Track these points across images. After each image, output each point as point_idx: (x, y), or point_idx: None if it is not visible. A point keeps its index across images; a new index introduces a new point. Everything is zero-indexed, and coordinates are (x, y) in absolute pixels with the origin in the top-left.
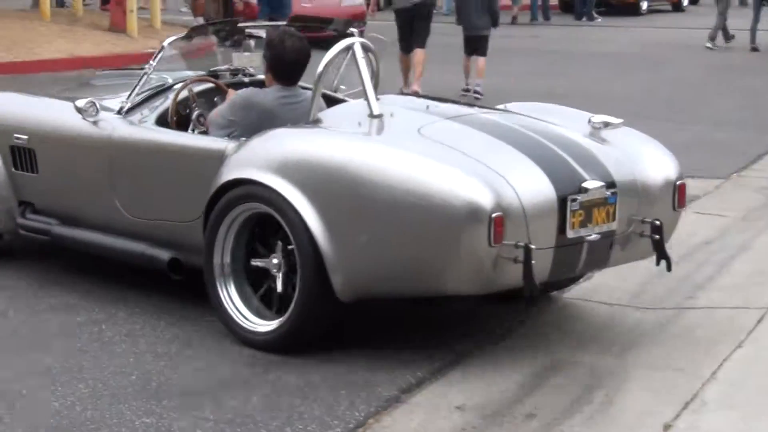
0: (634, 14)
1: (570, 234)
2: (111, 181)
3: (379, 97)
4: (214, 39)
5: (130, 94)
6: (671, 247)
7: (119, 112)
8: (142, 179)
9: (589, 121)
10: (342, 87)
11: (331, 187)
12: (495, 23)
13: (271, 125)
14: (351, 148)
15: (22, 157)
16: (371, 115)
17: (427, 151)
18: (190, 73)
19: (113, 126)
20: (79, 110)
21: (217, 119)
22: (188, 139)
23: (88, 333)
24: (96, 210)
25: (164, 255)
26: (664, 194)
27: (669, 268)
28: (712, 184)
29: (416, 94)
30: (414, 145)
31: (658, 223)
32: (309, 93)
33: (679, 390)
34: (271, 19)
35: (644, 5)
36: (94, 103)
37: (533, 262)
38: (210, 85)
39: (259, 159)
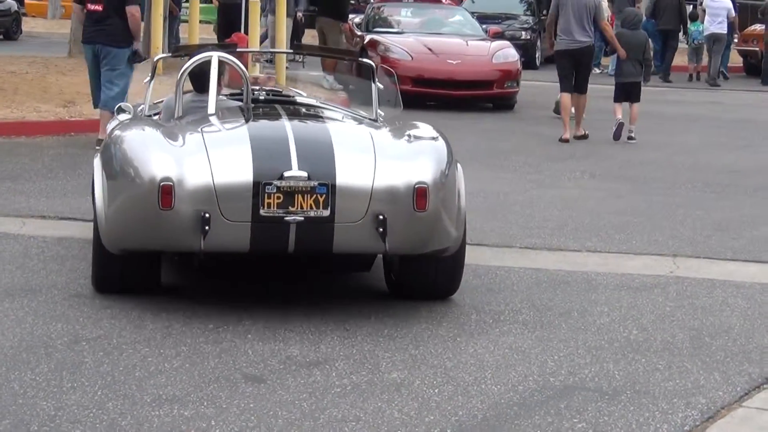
0: None
1: (263, 212)
2: None
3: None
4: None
5: (144, 101)
6: None
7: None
8: None
9: (410, 135)
10: (381, 113)
11: (108, 158)
12: (646, 75)
13: None
14: (127, 132)
15: None
16: (209, 114)
17: (168, 137)
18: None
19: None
20: (119, 109)
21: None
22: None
23: (195, 429)
24: None
25: None
26: (404, 196)
27: (385, 257)
28: None
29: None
30: (173, 133)
31: (381, 217)
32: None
33: None
34: None
35: None
36: (130, 106)
37: (208, 228)
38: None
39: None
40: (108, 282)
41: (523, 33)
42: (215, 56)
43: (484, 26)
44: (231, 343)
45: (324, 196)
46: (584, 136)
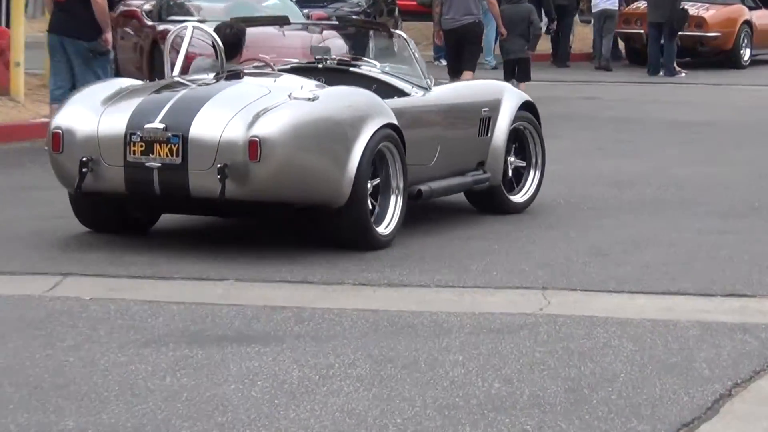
0: (733, 67)
1: (129, 158)
2: None
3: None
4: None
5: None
6: None
7: None
8: None
9: (290, 95)
10: (431, 79)
11: None
12: (532, 46)
13: None
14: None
15: None
16: (172, 76)
17: (106, 95)
18: None
19: None
20: None
21: None
22: None
23: None
24: None
25: None
26: (241, 148)
27: (221, 197)
28: None
29: None
30: (119, 92)
31: (219, 165)
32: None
33: None
34: None
35: (746, 54)
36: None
37: (86, 170)
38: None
39: None
40: (81, 216)
41: (354, 18)
42: (190, 26)
43: (305, 11)
44: None
45: (177, 145)
46: None
